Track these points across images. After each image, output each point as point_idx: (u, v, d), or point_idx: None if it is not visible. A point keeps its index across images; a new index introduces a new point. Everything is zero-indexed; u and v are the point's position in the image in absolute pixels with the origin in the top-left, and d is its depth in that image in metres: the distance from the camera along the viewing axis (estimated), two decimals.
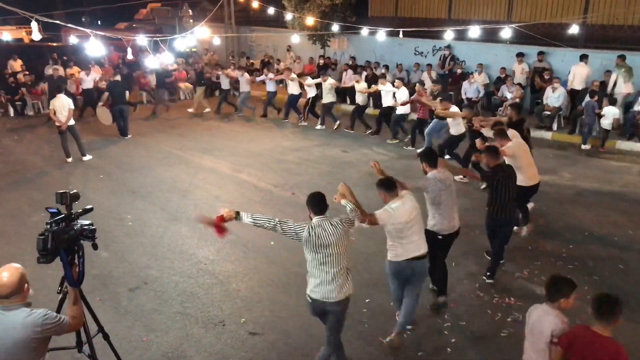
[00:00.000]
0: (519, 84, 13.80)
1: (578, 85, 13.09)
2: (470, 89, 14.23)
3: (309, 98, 14.42)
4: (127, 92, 13.34)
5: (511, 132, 7.23)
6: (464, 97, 14.19)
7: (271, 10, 17.16)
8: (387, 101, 12.67)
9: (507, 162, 6.54)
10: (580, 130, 12.24)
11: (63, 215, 3.37)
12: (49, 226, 3.26)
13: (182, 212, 8.31)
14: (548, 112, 12.84)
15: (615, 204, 8.63)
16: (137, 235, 7.48)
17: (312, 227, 4.09)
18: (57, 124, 10.64)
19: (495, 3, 16.21)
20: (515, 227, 7.15)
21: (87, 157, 11.01)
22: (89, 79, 15.55)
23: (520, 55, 14.25)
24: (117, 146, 12.24)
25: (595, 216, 8.10)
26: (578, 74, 13.05)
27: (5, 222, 7.92)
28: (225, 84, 15.98)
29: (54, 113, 10.57)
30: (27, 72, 16.83)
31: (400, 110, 12.25)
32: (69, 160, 10.87)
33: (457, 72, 15.49)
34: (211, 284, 6.14)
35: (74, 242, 3.37)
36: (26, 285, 3.00)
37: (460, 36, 14.86)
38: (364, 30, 14.52)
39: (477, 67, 15.00)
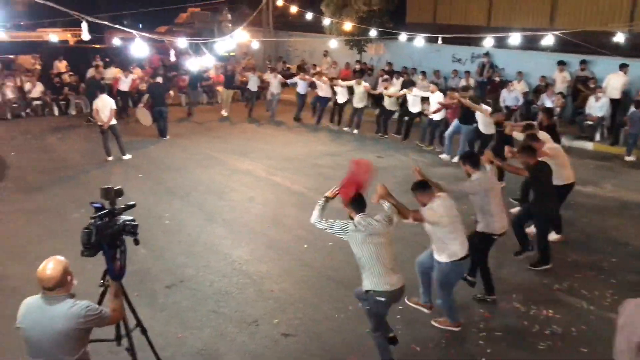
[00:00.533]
0: (560, 93, 13.50)
1: (612, 95, 12.81)
2: (510, 97, 13.99)
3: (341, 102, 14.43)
4: (166, 94, 13.64)
5: (543, 135, 7.37)
6: (502, 105, 13.95)
7: (309, 16, 17.27)
8: (415, 107, 12.65)
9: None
10: (624, 141, 11.90)
11: (107, 210, 3.44)
12: (93, 220, 3.33)
13: (217, 212, 8.40)
14: (590, 122, 12.54)
15: None
16: (174, 233, 7.60)
17: (357, 222, 4.24)
18: (99, 123, 10.93)
19: (537, 10, 15.98)
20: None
21: (127, 157, 11.26)
22: (127, 81, 15.90)
23: (561, 63, 13.96)
24: (156, 147, 12.48)
25: (638, 230, 7.85)
26: (612, 83, 12.80)
27: (50, 218, 8.16)
28: (252, 86, 16.02)
29: (97, 113, 10.86)
30: (71, 73, 17.34)
31: (436, 116, 12.11)
32: (110, 159, 11.13)
33: (495, 79, 15.26)
34: (245, 284, 6.19)
35: (117, 236, 3.44)
36: (69, 277, 3.08)
37: (500, 43, 14.62)
38: (402, 36, 14.46)
39: (516, 75, 14.76)
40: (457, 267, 4.91)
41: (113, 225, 3.41)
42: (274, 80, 15.32)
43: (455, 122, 11.13)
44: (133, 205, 3.73)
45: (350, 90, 14.14)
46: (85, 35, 7.68)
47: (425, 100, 12.60)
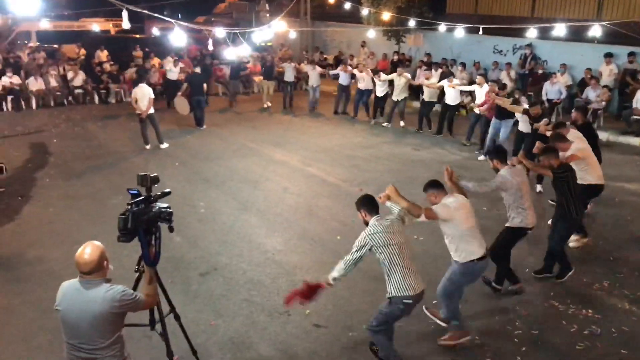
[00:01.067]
0: (606, 86, 13.03)
1: None
2: (552, 90, 13.57)
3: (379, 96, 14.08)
4: (205, 84, 13.79)
5: (573, 135, 7.09)
6: (544, 98, 13.57)
7: (347, 6, 17.15)
8: (451, 99, 12.20)
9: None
10: None
11: (143, 196, 3.47)
12: (129, 207, 3.37)
13: (252, 202, 8.45)
14: (637, 117, 12.06)
15: None
16: (209, 222, 7.67)
17: (372, 226, 4.21)
18: (138, 112, 11.11)
19: (583, 0, 15.42)
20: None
21: (164, 145, 11.43)
22: (176, 70, 16.13)
23: (608, 55, 13.46)
24: (193, 136, 12.63)
25: None
26: None
27: (88, 204, 8.35)
28: (289, 77, 15.85)
29: (136, 102, 11.04)
30: (112, 62, 17.70)
31: (483, 109, 11.21)
32: (147, 147, 11.32)
33: (538, 72, 14.84)
34: (277, 273, 6.20)
35: (153, 223, 3.47)
36: (106, 262, 3.12)
37: (543, 35, 14.21)
38: (441, 27, 14.20)
39: (560, 67, 14.31)
40: (474, 266, 4.70)
41: (149, 211, 3.44)
42: (312, 73, 15.16)
43: (494, 122, 10.48)
44: (168, 193, 3.75)
45: (390, 83, 13.84)
46: (126, 24, 7.83)
47: (464, 92, 12.30)
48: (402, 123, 13.53)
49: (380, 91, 13.93)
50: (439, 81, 13.08)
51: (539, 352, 4.87)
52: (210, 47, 12.07)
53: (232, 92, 16.46)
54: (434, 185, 4.75)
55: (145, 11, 8.76)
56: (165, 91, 16.00)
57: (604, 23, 11.26)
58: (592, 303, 5.65)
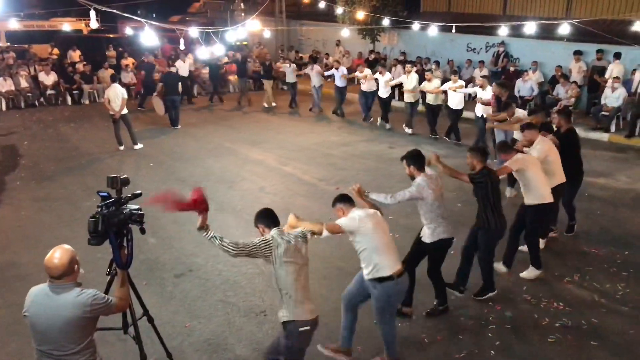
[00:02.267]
0: (575, 82, 13.30)
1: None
2: (524, 87, 13.79)
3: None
4: (180, 84, 13.70)
5: (541, 146, 6.33)
6: (517, 95, 13.76)
7: (322, 4, 17.15)
8: (454, 102, 11.60)
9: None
10: None
11: (113, 199, 3.44)
12: (99, 209, 3.34)
13: (228, 202, 8.42)
14: (606, 113, 12.33)
15: None
16: (184, 223, 7.60)
17: (278, 237, 3.77)
18: (111, 112, 10.98)
19: None
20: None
21: (139, 146, 11.31)
22: (185, 66, 16.06)
23: (578, 53, 13.74)
24: (168, 136, 12.53)
25: None
26: (616, 72, 12.73)
27: (61, 206, 8.23)
28: (290, 77, 15.63)
29: (108, 102, 10.91)
30: (85, 62, 17.44)
31: (481, 110, 10.56)
32: (121, 148, 11.20)
33: (510, 69, 15.07)
34: (254, 273, 6.20)
35: (123, 225, 3.45)
36: (76, 266, 3.09)
37: (515, 33, 14.44)
38: (415, 25, 14.31)
39: (531, 65, 14.55)
40: (397, 284, 4.37)
41: (119, 214, 3.42)
42: (312, 73, 14.85)
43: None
44: (139, 194, 3.72)
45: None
46: (94, 24, 7.76)
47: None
48: (408, 130, 12.90)
49: (384, 92, 13.18)
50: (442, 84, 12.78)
51: (512, 345, 4.96)
52: (182, 47, 11.97)
53: (212, 92, 16.41)
54: (342, 200, 4.47)
55: (115, 11, 8.64)
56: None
57: (573, 21, 11.47)
58: (563, 296, 5.77)
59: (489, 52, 16.23)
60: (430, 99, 12.11)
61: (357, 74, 13.65)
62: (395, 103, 14.33)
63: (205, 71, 17.38)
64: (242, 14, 23.55)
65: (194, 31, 11.66)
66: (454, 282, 5.69)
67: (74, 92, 16.28)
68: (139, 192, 3.74)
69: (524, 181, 5.97)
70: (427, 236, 5.11)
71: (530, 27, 12.20)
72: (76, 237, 6.71)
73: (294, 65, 15.87)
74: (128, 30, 17.86)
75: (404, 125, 13.00)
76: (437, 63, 15.68)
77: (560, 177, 6.49)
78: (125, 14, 10.33)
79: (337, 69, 14.38)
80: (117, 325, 3.86)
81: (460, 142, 11.78)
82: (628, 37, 12.73)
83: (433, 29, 14.00)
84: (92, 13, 7.38)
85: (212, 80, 16.84)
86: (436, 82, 12.08)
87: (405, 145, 11.72)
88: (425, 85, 12.08)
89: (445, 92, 11.88)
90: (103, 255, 5.51)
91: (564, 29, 11.60)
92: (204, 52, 13.45)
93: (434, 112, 12.26)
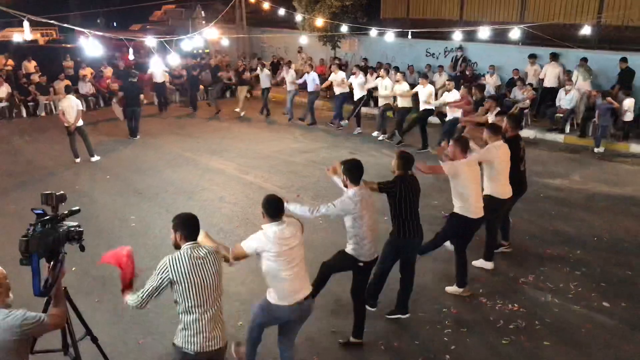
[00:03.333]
0: (530, 84, 13.62)
1: (548, 84, 13.55)
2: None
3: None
4: (141, 95, 13.49)
5: (490, 151, 6.16)
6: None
7: (282, 12, 17.16)
8: (424, 105, 11.68)
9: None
10: (592, 134, 12.05)
11: (48, 217, 3.33)
12: (31, 227, 3.22)
13: None
14: (560, 115, 12.65)
15: (627, 209, 8.45)
16: (140, 236, 7.47)
17: (180, 255, 3.40)
18: (66, 124, 10.73)
19: (507, 4, 16.07)
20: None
21: (95, 158, 11.07)
22: (160, 73, 15.88)
23: (532, 56, 14.07)
24: (127, 147, 12.29)
25: (605, 221, 7.93)
26: (549, 73, 13.59)
27: (12, 222, 7.97)
28: (265, 83, 15.40)
29: (62, 114, 10.66)
30: (40, 73, 17.00)
31: (452, 114, 10.92)
32: (77, 160, 10.94)
33: (468, 73, 15.32)
34: None
35: (60, 244, 3.33)
36: (4, 287, 2.97)
37: (472, 38, 14.71)
38: (373, 32, 14.42)
39: (489, 69, 14.84)
40: (278, 309, 4.05)
41: (54, 232, 3.30)
42: (287, 76, 14.68)
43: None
44: (77, 211, 3.61)
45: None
46: (27, 35, 7.63)
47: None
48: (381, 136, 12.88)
49: (357, 94, 13.28)
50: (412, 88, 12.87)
51: (467, 349, 5.00)
52: (131, 57, 11.82)
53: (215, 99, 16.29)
54: (267, 207, 3.99)
55: (52, 22, 8.44)
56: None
57: (522, 26, 11.76)
58: (518, 297, 5.87)
59: (447, 57, 16.48)
60: (401, 102, 12.29)
61: (331, 78, 13.73)
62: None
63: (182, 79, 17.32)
64: (203, 22, 23.35)
65: (150, 40, 11.46)
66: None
67: (29, 103, 15.84)
68: (76, 208, 3.62)
69: (454, 187, 5.71)
70: (348, 249, 4.77)
71: (484, 32, 12.45)
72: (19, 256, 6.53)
73: (266, 70, 15.66)
74: (83, 40, 17.50)
75: (376, 132, 13.11)
76: (397, 68, 15.81)
77: (505, 189, 6.22)
78: (65, 24, 10.08)
79: (308, 73, 14.30)
80: (57, 346, 3.72)
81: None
82: (576, 40, 13.14)
83: (390, 35, 14.17)
84: (26, 24, 7.20)
85: (190, 88, 16.71)
86: (405, 85, 12.31)
87: (367, 151, 11.83)
88: (396, 89, 12.27)
89: (415, 94, 12.06)
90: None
91: (516, 33, 11.88)
92: (157, 62, 13.22)
93: (403, 115, 12.38)
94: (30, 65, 18.16)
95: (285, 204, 4.15)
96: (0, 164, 10.89)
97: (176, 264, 3.36)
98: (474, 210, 5.66)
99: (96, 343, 3.96)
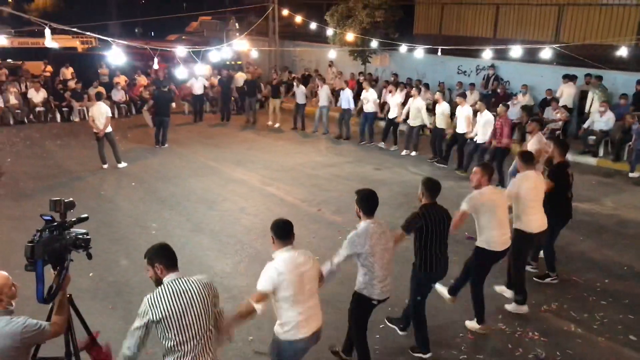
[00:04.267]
0: (564, 106, 13.29)
1: (565, 102, 13.47)
2: (513, 111, 13.72)
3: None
4: (172, 104, 13.68)
5: (527, 176, 5.76)
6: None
7: (314, 26, 17.23)
8: (462, 126, 11.21)
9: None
10: (627, 158, 11.65)
11: (55, 223, 3.33)
12: (38, 233, 3.22)
13: (206, 223, 8.30)
14: (594, 137, 12.29)
15: None
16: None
17: (161, 291, 3.11)
18: (95, 130, 10.93)
19: (542, 23, 15.80)
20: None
21: (122, 165, 11.22)
22: (199, 85, 16.27)
23: (567, 77, 13.74)
24: (154, 155, 12.43)
25: (636, 250, 7.60)
26: (566, 93, 13.55)
27: (36, 225, 8.03)
28: (300, 99, 15.40)
29: (92, 120, 10.86)
30: (76, 80, 17.42)
31: (483, 138, 10.51)
32: (105, 166, 11.10)
33: (499, 92, 15.05)
34: (224, 298, 6.00)
35: (66, 251, 3.32)
36: (8, 293, 2.96)
37: (505, 56, 14.47)
38: (403, 47, 14.32)
39: (521, 88, 14.54)
40: (289, 345, 3.83)
41: (61, 239, 3.28)
42: (322, 93, 14.68)
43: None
44: (85, 219, 3.60)
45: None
46: (49, 42, 7.85)
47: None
48: (412, 152, 12.85)
49: (393, 112, 13.17)
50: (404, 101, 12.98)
51: None
52: (156, 66, 12.04)
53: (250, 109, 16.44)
54: (276, 230, 3.78)
55: (74, 29, 8.62)
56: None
57: (554, 46, 11.53)
58: (539, 325, 5.64)
59: (479, 75, 16.24)
60: (438, 122, 11.97)
61: (363, 96, 13.62)
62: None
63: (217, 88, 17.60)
64: (237, 34, 23.64)
65: (181, 50, 11.64)
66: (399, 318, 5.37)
67: (64, 109, 16.23)
68: (85, 215, 3.61)
69: (477, 220, 5.31)
70: (358, 287, 4.47)
71: (516, 51, 12.23)
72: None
73: (302, 87, 15.63)
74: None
75: (405, 150, 12.96)
76: (427, 85, 15.68)
77: (534, 223, 5.75)
78: (87, 33, 10.34)
79: (343, 89, 14.28)
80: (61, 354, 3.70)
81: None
82: (613, 62, 12.79)
83: (419, 52, 14.05)
84: (47, 31, 7.37)
85: (222, 98, 16.94)
86: (445, 106, 11.88)
87: (391, 167, 11.69)
88: (437, 108, 11.96)
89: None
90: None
91: (547, 53, 11.66)
92: (182, 72, 13.37)
93: (438, 136, 12.11)
94: (68, 72, 18.66)
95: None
96: (30, 167, 11.14)
97: (156, 303, 3.05)
98: (498, 241, 5.26)
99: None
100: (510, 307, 5.92)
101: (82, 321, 3.77)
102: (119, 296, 6.03)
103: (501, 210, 5.26)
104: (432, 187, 4.76)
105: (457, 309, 5.79)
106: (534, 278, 6.56)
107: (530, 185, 5.70)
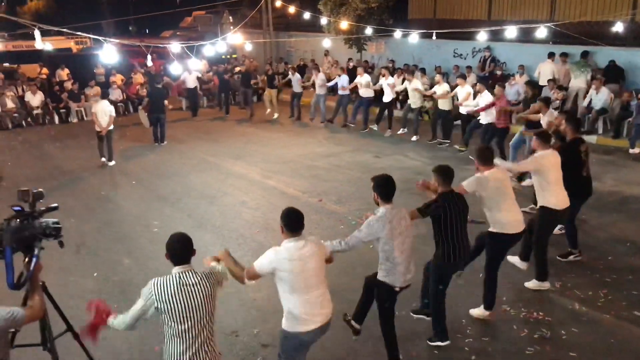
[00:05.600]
0: (561, 86, 13.22)
1: (543, 82, 13.37)
2: (511, 92, 13.64)
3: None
4: (166, 100, 13.66)
5: (547, 154, 5.80)
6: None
7: (307, 15, 17.15)
8: (465, 103, 11.48)
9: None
10: (627, 135, 11.62)
11: (24, 212, 3.37)
12: (5, 222, 3.26)
13: (208, 219, 8.31)
14: (589, 116, 12.25)
15: None
16: (161, 242, 7.38)
17: (159, 285, 3.26)
18: (98, 128, 10.98)
19: (536, 2, 15.70)
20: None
21: (112, 163, 11.28)
22: (192, 78, 16.25)
23: (563, 55, 13.67)
24: (153, 152, 12.43)
25: (638, 226, 7.60)
26: (543, 71, 13.63)
27: None
28: (296, 87, 15.45)
29: (95, 117, 10.97)
30: (73, 81, 17.37)
31: (486, 119, 10.57)
32: (103, 160, 11.19)
33: (497, 74, 14.99)
34: (228, 293, 6.04)
35: (34, 239, 3.34)
36: None
37: (500, 37, 14.39)
38: (398, 33, 14.26)
39: (518, 69, 14.48)
40: (297, 337, 3.83)
41: (30, 227, 3.32)
42: (317, 80, 14.70)
43: (521, 136, 9.64)
44: (55, 208, 3.66)
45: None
46: (38, 44, 7.84)
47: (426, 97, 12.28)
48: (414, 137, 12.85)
49: (387, 96, 13.23)
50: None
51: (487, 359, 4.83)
52: (149, 63, 12.03)
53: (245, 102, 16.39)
54: (286, 219, 3.79)
55: (64, 29, 8.61)
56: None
57: (549, 25, 11.48)
58: (544, 305, 5.65)
59: (475, 57, 16.18)
60: (441, 104, 12.15)
61: (357, 81, 13.70)
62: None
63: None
64: (231, 27, 23.54)
65: (176, 46, 11.59)
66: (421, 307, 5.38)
67: (61, 110, 16.20)
68: (55, 205, 3.67)
69: (484, 202, 5.19)
70: (380, 276, 4.47)
71: (511, 31, 12.18)
72: (45, 259, 6.61)
73: (298, 75, 15.61)
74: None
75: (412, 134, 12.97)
76: (423, 70, 15.62)
77: (559, 199, 5.80)
78: (78, 33, 10.32)
79: (339, 76, 14.43)
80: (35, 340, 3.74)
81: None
82: (609, 38, 12.75)
83: (414, 37, 14.02)
84: (37, 33, 7.35)
85: (220, 91, 17.00)
86: (445, 86, 12.15)
87: (390, 155, 11.68)
88: (436, 89, 12.19)
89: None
90: (76, 279, 5.42)
91: (543, 32, 11.63)
92: (177, 68, 13.35)
93: (444, 117, 12.29)
94: (64, 73, 18.59)
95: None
96: (29, 170, 11.15)
97: (162, 290, 3.20)
98: (512, 224, 5.20)
99: (78, 340, 3.94)
100: (531, 284, 5.97)
101: (58, 310, 3.82)
102: (123, 295, 6.04)
103: (510, 191, 5.24)
104: (446, 173, 4.70)
105: (461, 293, 5.80)
106: (557, 257, 6.57)
107: (552, 162, 5.77)
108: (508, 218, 5.18)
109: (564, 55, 13.45)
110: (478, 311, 5.47)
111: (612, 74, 12.92)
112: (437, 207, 4.60)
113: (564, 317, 5.43)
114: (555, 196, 5.78)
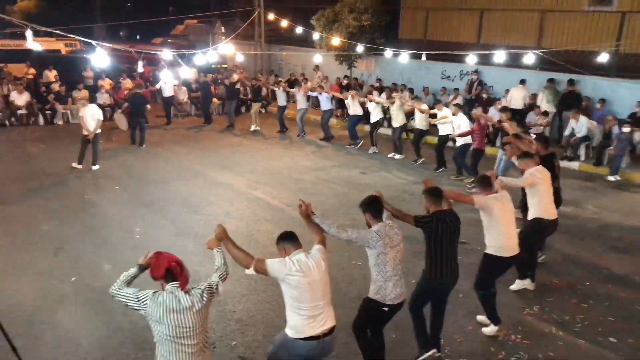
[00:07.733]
0: (546, 112, 13.45)
1: (515, 106, 13.87)
2: (497, 115, 13.87)
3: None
4: (147, 106, 13.70)
5: (539, 169, 6.41)
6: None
7: (300, 30, 17.27)
8: (444, 129, 11.48)
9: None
10: (608, 162, 11.84)
11: None
12: None
13: (190, 227, 8.27)
14: (573, 142, 12.46)
15: None
16: (142, 249, 7.28)
17: (153, 302, 3.42)
18: (85, 132, 10.91)
19: (525, 29, 15.98)
20: None
21: (96, 167, 11.21)
22: (168, 87, 16.15)
23: (550, 81, 13.93)
24: (138, 158, 12.36)
25: (617, 253, 7.72)
26: (515, 96, 14.20)
27: (17, 229, 8.00)
28: (281, 101, 15.54)
29: (82, 120, 10.95)
30: (60, 83, 17.23)
31: (461, 141, 10.92)
32: (79, 167, 11.17)
33: (483, 97, 15.19)
34: None
35: None
36: None
37: (488, 61, 14.61)
38: (388, 52, 14.41)
39: (504, 93, 14.70)
40: (295, 343, 3.94)
41: None
42: (298, 95, 14.92)
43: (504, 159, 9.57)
44: None
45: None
46: (30, 44, 7.88)
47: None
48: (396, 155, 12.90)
49: (374, 116, 13.28)
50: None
51: None
52: (140, 69, 12.06)
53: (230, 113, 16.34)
54: (287, 238, 4.01)
55: (57, 30, 8.59)
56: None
57: (537, 52, 11.69)
58: (522, 328, 5.70)
59: (463, 80, 16.39)
60: (418, 123, 12.28)
61: (346, 95, 13.93)
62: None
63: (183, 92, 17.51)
64: (223, 38, 23.61)
65: (166, 54, 11.61)
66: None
67: (47, 112, 16.06)
68: None
69: (486, 224, 5.41)
70: (371, 293, 4.53)
71: (499, 56, 12.37)
72: (30, 261, 6.54)
73: (282, 89, 15.68)
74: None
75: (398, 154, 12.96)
76: (411, 90, 15.80)
77: (551, 210, 6.49)
78: (71, 35, 10.31)
79: (320, 94, 14.62)
80: None
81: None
82: (594, 68, 13.05)
83: (404, 56, 14.15)
84: (29, 33, 7.35)
85: (203, 102, 16.94)
86: (447, 111, 11.62)
87: (377, 172, 11.74)
88: (416, 107, 12.22)
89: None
90: (54, 283, 5.30)
91: (530, 58, 11.82)
92: (167, 76, 13.40)
93: (419, 137, 12.47)
94: (51, 75, 18.46)
95: (314, 215, 4.49)
96: (11, 170, 11.02)
97: (155, 307, 3.38)
98: (508, 247, 5.42)
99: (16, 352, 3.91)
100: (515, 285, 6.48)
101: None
102: (100, 302, 5.95)
103: (511, 215, 5.50)
104: (434, 194, 4.86)
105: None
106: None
107: (545, 175, 6.39)
108: (503, 241, 5.41)
109: (551, 81, 13.69)
110: (489, 329, 5.56)
111: (569, 100, 13.30)
112: (427, 221, 4.75)
113: (541, 341, 5.48)
114: (548, 207, 6.45)
